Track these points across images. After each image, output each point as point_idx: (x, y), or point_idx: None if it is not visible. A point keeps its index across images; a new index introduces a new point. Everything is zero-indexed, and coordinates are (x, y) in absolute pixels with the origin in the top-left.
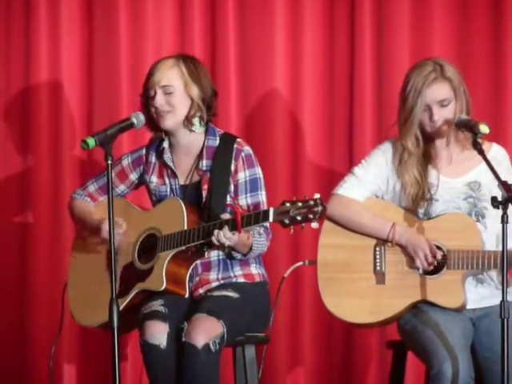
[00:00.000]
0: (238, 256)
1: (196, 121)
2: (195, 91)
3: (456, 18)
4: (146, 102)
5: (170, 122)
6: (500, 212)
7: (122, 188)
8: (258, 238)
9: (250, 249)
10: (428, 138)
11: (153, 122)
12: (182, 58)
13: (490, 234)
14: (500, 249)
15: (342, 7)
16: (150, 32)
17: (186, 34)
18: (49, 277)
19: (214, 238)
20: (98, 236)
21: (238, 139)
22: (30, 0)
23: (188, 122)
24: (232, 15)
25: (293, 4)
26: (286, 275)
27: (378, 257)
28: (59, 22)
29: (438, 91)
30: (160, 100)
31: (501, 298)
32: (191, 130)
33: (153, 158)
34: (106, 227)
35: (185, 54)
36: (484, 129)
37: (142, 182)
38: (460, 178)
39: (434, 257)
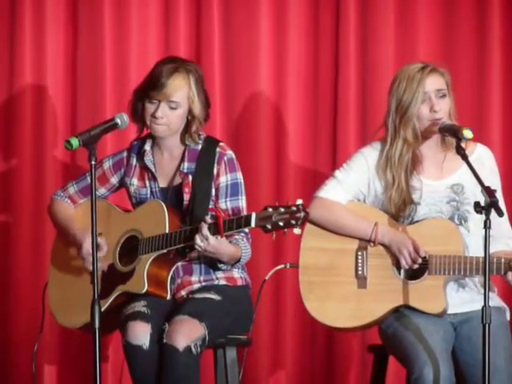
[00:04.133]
0: (224, 267)
1: (196, 135)
2: (198, 109)
3: (440, 22)
4: (141, 100)
5: (162, 132)
6: (483, 216)
7: (102, 191)
8: (245, 249)
9: (238, 260)
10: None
11: (140, 117)
12: (192, 72)
13: (473, 238)
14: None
15: (326, 9)
16: (135, 32)
17: (171, 36)
18: (30, 277)
19: (196, 242)
20: (77, 247)
21: (221, 143)
22: (15, 2)
23: (190, 136)
24: (217, 17)
25: (278, 6)
26: (267, 278)
27: (359, 261)
28: (44, 24)
29: (436, 80)
30: (163, 112)
31: (482, 303)
32: (193, 142)
33: (134, 161)
34: (86, 246)
35: (190, 61)
36: (468, 134)
37: (122, 184)
38: (443, 180)
39: (418, 254)
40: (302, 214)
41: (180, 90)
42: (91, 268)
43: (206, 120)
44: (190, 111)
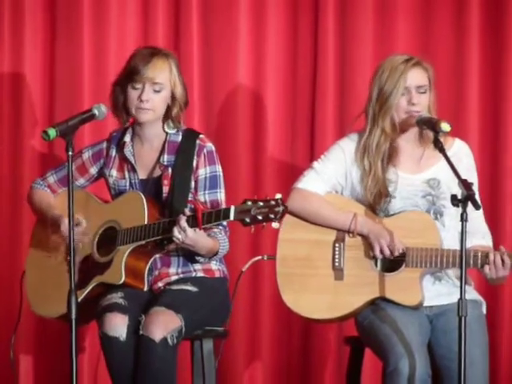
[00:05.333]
0: (201, 260)
1: (176, 121)
2: (179, 92)
3: (419, 20)
4: (124, 85)
5: (148, 117)
6: (459, 210)
7: (81, 181)
8: (223, 242)
9: (216, 253)
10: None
11: (121, 109)
12: (171, 57)
13: (448, 232)
14: (459, 247)
15: (306, 8)
16: (114, 24)
17: (149, 28)
18: (7, 266)
19: (174, 234)
20: (57, 230)
21: (201, 135)
22: None
23: (172, 121)
24: (196, 14)
25: (256, 3)
26: (244, 269)
27: (337, 253)
28: (22, 13)
29: (419, 76)
30: (148, 96)
31: (458, 296)
32: (171, 128)
33: (113, 152)
34: (65, 225)
35: (164, 49)
36: (445, 127)
37: (101, 175)
38: (419, 174)
39: (396, 246)
40: (280, 209)
41: (162, 71)
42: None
43: (186, 105)
44: (171, 95)
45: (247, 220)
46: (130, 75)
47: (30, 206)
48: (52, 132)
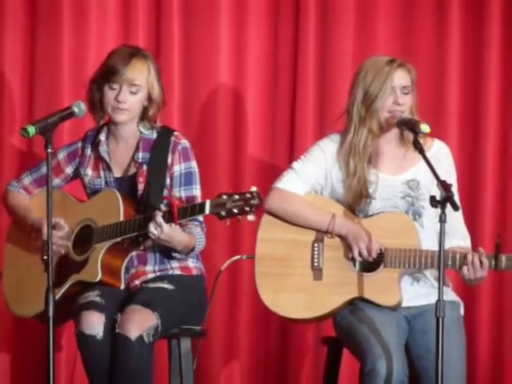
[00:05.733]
0: (178, 256)
1: (152, 121)
2: (157, 92)
3: (400, 22)
4: (100, 83)
5: (124, 117)
6: (438, 211)
7: (57, 181)
8: (200, 237)
9: (192, 249)
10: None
11: (98, 106)
12: (150, 58)
13: (426, 233)
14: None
15: (286, 9)
16: (94, 20)
17: (131, 26)
18: None
19: (149, 230)
20: (37, 234)
21: (176, 132)
22: None
23: (147, 122)
24: (177, 16)
25: (237, 6)
26: (222, 268)
27: (315, 253)
28: (3, 10)
29: (404, 77)
30: (124, 97)
31: (436, 297)
32: (146, 128)
33: (88, 151)
34: (45, 229)
35: (143, 49)
36: (425, 128)
37: (77, 175)
38: (399, 175)
39: (373, 247)
40: (256, 201)
41: (141, 73)
42: (55, 249)
43: (162, 105)
44: (148, 96)
45: (223, 213)
46: (107, 75)
47: (6, 209)
48: (31, 129)
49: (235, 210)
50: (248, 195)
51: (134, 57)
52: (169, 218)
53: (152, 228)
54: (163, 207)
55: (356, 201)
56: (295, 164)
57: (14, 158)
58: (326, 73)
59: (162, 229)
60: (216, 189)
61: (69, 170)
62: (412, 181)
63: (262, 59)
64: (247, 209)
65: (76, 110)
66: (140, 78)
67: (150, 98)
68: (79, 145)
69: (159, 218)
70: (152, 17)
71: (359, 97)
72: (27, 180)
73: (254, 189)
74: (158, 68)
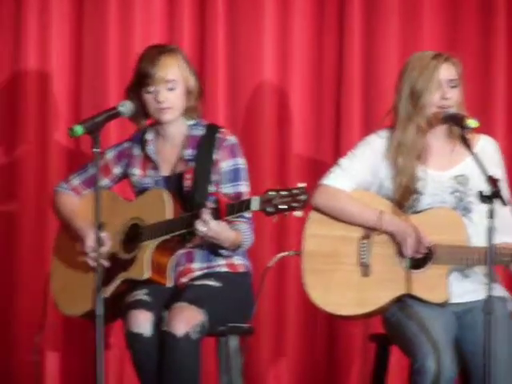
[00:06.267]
0: (225, 253)
1: (194, 111)
2: (192, 83)
3: (445, 19)
4: (137, 91)
5: (170, 116)
6: (486, 207)
7: (105, 182)
8: (247, 233)
9: (239, 246)
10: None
11: (139, 113)
12: (178, 51)
13: (475, 229)
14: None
15: (331, 5)
16: (139, 19)
17: (175, 24)
18: (33, 265)
19: (197, 227)
20: (81, 243)
21: (222, 129)
22: None
23: (189, 112)
24: (222, 11)
25: (282, 1)
26: (269, 265)
27: (363, 249)
28: (50, 9)
29: (450, 70)
30: (164, 96)
31: (485, 293)
32: (191, 119)
33: (136, 151)
34: (89, 243)
35: (169, 44)
36: (472, 123)
37: (125, 175)
38: (447, 171)
39: (423, 244)
40: (303, 197)
41: (172, 68)
42: (93, 264)
43: (201, 94)
44: (186, 88)
45: (270, 209)
46: (141, 80)
47: (54, 211)
48: (78, 129)
49: (283, 206)
50: (295, 191)
51: (162, 54)
52: (216, 214)
53: (199, 225)
54: (210, 204)
55: (404, 197)
56: (342, 160)
57: (62, 159)
58: (370, 68)
59: (209, 226)
60: (262, 185)
61: (117, 171)
62: (460, 176)
63: (306, 55)
64: (295, 205)
65: (123, 109)
66: (172, 73)
67: (187, 90)
68: (126, 145)
69: (206, 214)
70: (196, 14)
71: (406, 93)
72: (76, 181)
73: (301, 185)
74: (187, 58)
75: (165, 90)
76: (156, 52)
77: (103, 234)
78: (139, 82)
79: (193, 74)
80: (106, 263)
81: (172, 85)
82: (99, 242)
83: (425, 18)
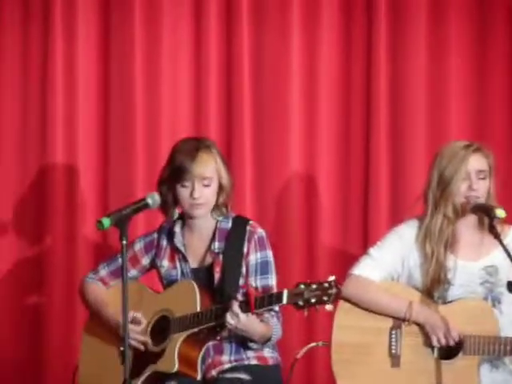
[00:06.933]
0: (255, 346)
1: (224, 208)
2: (226, 180)
3: (473, 40)
4: (171, 183)
5: (203, 212)
6: None
7: (133, 272)
8: (276, 327)
9: (269, 339)
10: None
11: (170, 205)
12: (214, 147)
13: (506, 319)
14: None
15: (358, 27)
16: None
17: (202, 40)
18: (62, 356)
19: (226, 320)
20: (112, 330)
21: (251, 221)
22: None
23: (218, 209)
24: (246, 32)
25: (309, 21)
26: (298, 356)
27: (393, 340)
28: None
29: (480, 161)
30: (199, 192)
31: None
32: (221, 214)
33: (164, 242)
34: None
35: (205, 138)
36: (500, 213)
37: (153, 266)
38: (477, 261)
39: (452, 336)
40: (334, 291)
41: (209, 165)
42: (134, 344)
43: (232, 189)
44: (218, 184)
45: (300, 303)
46: (177, 174)
47: (82, 300)
48: (106, 221)
49: (313, 300)
50: (326, 284)
51: (199, 150)
52: (245, 307)
53: (229, 318)
54: (240, 297)
55: (434, 286)
56: (371, 250)
57: (90, 250)
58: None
59: (238, 319)
60: (290, 277)
61: (145, 261)
62: (490, 267)
63: (333, 143)
64: (325, 298)
65: (150, 201)
66: (209, 170)
67: (220, 186)
68: (155, 236)
69: (236, 307)
70: (223, 24)
71: (434, 181)
72: (104, 271)
73: (331, 278)
74: (221, 154)
75: (201, 186)
76: (193, 147)
77: (137, 314)
78: (175, 176)
79: (226, 170)
80: (148, 340)
81: (208, 181)
82: (127, 328)
83: (452, 42)
